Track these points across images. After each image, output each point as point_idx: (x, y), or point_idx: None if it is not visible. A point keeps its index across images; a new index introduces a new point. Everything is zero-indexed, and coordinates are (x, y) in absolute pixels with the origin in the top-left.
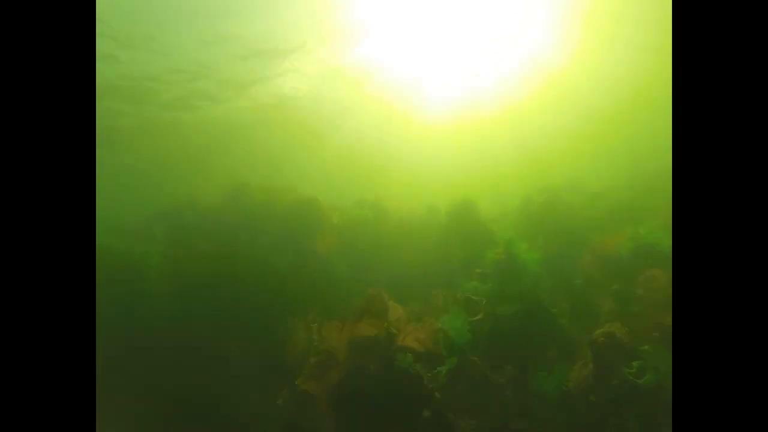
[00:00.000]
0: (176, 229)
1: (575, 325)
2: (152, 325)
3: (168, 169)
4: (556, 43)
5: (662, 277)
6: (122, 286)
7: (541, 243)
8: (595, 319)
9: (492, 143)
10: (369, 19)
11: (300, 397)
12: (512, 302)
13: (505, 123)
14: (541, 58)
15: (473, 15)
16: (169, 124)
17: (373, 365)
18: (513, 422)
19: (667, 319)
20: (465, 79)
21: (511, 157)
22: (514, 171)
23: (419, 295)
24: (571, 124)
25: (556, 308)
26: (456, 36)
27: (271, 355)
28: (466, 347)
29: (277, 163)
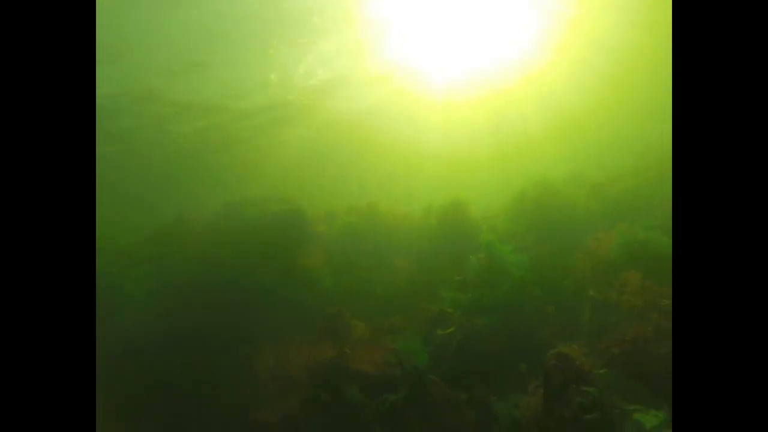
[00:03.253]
0: (162, 249)
1: (555, 336)
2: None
3: (156, 186)
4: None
5: (636, 280)
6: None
7: (530, 243)
8: (577, 329)
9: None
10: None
11: (255, 429)
12: (489, 312)
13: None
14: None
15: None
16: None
17: (326, 393)
18: None
19: (630, 332)
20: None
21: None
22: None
23: (403, 307)
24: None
25: (538, 316)
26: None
27: (230, 383)
28: (423, 368)
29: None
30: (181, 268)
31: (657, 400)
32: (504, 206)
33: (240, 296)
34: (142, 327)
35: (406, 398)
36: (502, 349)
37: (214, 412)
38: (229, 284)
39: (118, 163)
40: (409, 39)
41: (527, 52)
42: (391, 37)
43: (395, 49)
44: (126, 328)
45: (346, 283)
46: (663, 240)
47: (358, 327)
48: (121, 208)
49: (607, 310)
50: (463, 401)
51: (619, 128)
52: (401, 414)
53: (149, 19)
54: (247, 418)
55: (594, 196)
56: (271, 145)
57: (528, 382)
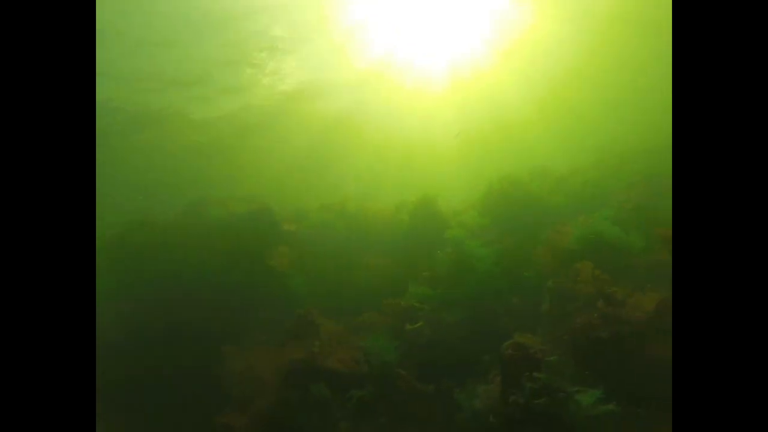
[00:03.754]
0: (125, 251)
1: (518, 326)
2: None
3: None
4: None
5: (588, 269)
6: None
7: (496, 236)
8: (537, 319)
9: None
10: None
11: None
12: (456, 306)
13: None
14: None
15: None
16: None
17: (295, 394)
18: None
19: (579, 320)
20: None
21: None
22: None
23: (374, 304)
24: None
25: (502, 308)
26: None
27: (199, 386)
28: (391, 363)
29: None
30: (142, 271)
31: (596, 380)
32: (473, 200)
33: (205, 299)
34: (101, 331)
35: (374, 393)
36: (469, 341)
37: (179, 416)
38: (194, 287)
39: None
40: (376, 40)
41: (491, 48)
42: (358, 39)
43: (364, 49)
44: None
45: (316, 283)
46: (614, 230)
47: (327, 326)
48: None
49: (565, 299)
50: (429, 393)
51: (581, 123)
52: (369, 409)
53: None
54: (213, 422)
55: (557, 189)
56: (244, 147)
57: (489, 371)
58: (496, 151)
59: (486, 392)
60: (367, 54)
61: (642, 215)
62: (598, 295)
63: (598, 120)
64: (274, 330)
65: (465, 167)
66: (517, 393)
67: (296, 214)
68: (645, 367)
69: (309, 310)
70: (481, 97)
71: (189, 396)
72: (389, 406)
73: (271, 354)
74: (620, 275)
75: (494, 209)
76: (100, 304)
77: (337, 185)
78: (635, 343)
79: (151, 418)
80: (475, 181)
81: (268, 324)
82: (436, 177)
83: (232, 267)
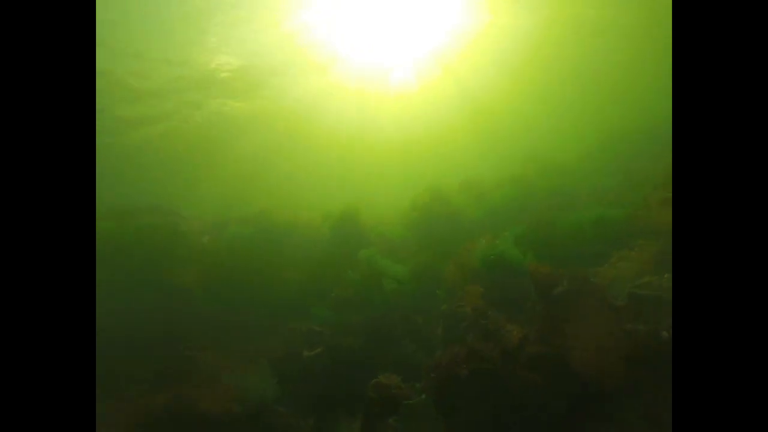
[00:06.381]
0: None
1: (419, 350)
2: None
3: None
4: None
5: (476, 294)
6: None
7: (414, 252)
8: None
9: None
10: None
11: None
12: (358, 330)
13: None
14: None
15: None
16: None
17: None
18: None
19: (445, 357)
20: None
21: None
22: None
23: (275, 327)
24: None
25: (405, 329)
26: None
27: None
28: (272, 399)
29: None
30: None
31: (450, 425)
32: (404, 209)
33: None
34: None
35: None
36: (367, 368)
37: None
38: None
39: None
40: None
41: (436, 53)
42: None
43: (309, 40)
44: None
45: (220, 305)
46: (513, 252)
47: (206, 362)
48: None
49: (459, 323)
50: (307, 430)
51: (521, 132)
52: None
53: None
54: None
55: (479, 202)
56: (155, 147)
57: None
58: (436, 157)
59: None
60: (308, 45)
61: (541, 234)
62: (473, 325)
63: (534, 130)
64: (145, 369)
65: (404, 172)
66: None
67: (212, 226)
68: (498, 408)
69: (190, 345)
70: (426, 101)
71: None
72: None
73: (131, 404)
74: (511, 301)
75: (417, 222)
76: None
77: (269, 190)
78: (490, 383)
79: None
80: (413, 187)
81: (140, 362)
82: (373, 181)
83: (124, 289)
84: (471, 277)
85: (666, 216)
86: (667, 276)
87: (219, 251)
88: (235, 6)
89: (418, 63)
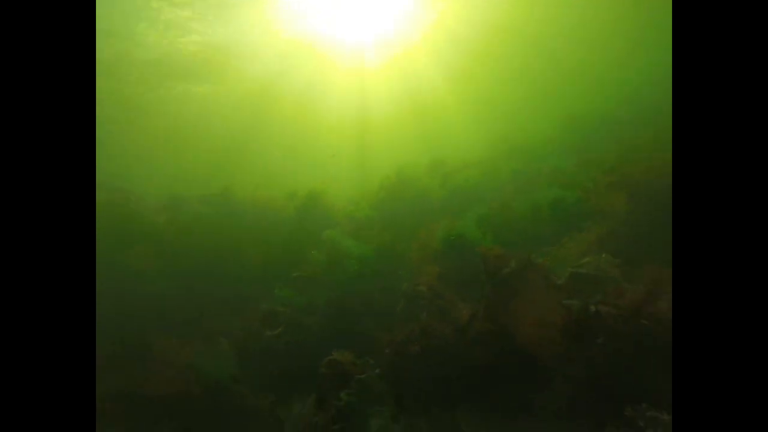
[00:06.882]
0: None
1: (378, 328)
2: None
3: None
4: None
5: (432, 274)
6: None
7: (377, 232)
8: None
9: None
10: None
11: None
12: (320, 309)
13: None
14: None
15: None
16: None
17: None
18: None
19: (399, 333)
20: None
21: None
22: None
23: (238, 309)
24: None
25: (366, 309)
26: None
27: None
28: (230, 378)
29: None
30: None
31: (398, 399)
32: (373, 189)
33: None
34: None
35: (203, 415)
36: (326, 346)
37: None
38: None
39: None
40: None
41: (414, 29)
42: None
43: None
44: None
45: (176, 287)
46: (475, 233)
47: (159, 345)
48: None
49: (417, 303)
50: (260, 409)
51: (495, 112)
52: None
53: None
54: None
55: (445, 183)
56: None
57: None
58: (410, 137)
59: (307, 410)
60: (287, 24)
61: (503, 215)
62: (428, 304)
63: (505, 113)
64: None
65: (375, 153)
66: (321, 414)
67: (169, 205)
68: (442, 382)
69: (146, 332)
70: (403, 78)
71: None
72: (218, 427)
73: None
74: (466, 281)
75: (384, 203)
76: None
77: (232, 171)
78: (441, 359)
79: None
80: (382, 168)
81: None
82: (343, 163)
83: None
84: (432, 257)
85: (613, 198)
86: (605, 255)
87: (176, 231)
88: None
89: (387, 43)
